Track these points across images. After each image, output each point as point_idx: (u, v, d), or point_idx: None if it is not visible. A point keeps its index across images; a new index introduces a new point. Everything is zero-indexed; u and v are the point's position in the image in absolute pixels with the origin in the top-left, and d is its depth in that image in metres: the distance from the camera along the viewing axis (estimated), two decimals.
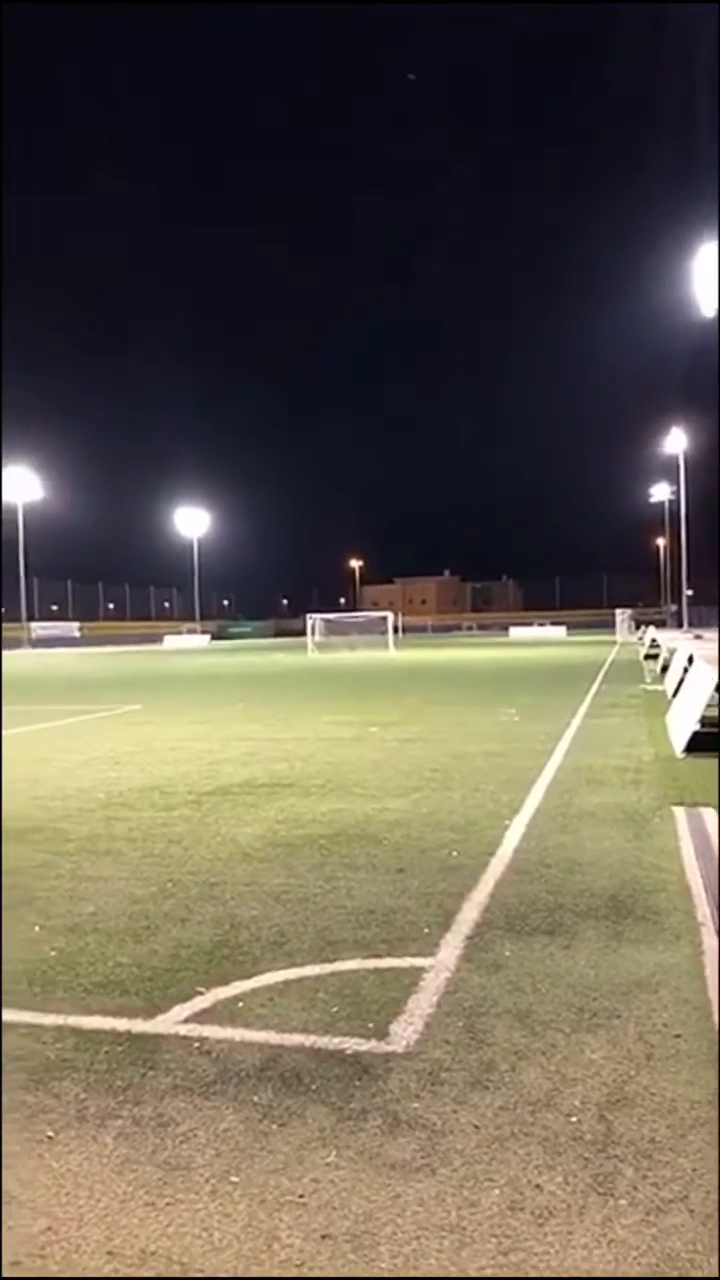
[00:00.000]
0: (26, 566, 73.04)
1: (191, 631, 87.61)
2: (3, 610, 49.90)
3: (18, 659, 51.14)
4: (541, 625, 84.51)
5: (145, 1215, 2.45)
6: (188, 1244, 2.34)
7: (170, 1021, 3.61)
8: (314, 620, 52.84)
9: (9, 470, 71.29)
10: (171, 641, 78.47)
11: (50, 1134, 2.85)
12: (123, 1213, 2.47)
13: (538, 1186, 2.55)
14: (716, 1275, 2.24)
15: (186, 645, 74.24)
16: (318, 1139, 2.79)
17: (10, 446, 74.03)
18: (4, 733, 13.65)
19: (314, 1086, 3.09)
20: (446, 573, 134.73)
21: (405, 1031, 3.47)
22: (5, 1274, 2.21)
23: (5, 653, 60.12)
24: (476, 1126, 2.83)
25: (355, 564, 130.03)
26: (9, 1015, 3.69)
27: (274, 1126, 2.86)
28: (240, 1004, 3.75)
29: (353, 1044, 3.39)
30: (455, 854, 6.02)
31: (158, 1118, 2.92)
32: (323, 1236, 2.36)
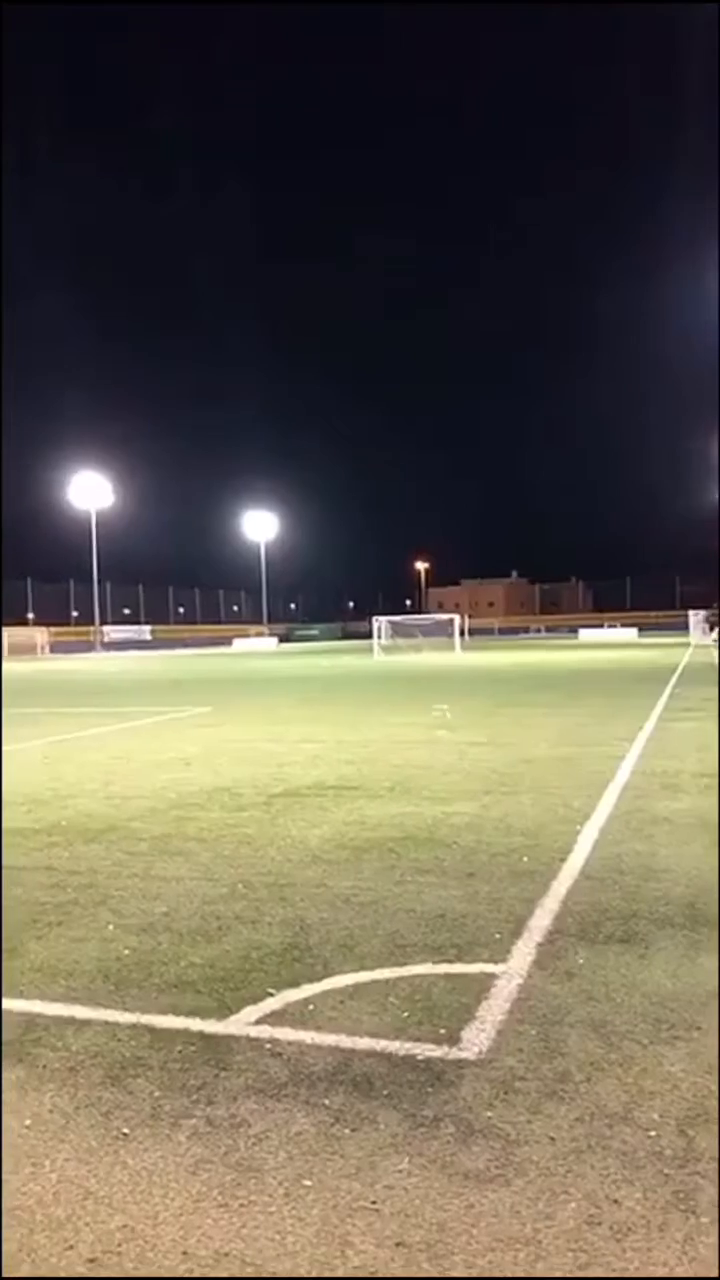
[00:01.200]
0: (99, 571, 74.58)
1: (259, 634, 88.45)
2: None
3: (91, 662, 52.24)
4: (612, 627, 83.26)
5: (219, 1216, 2.46)
6: (261, 1247, 2.34)
7: (242, 1023, 3.63)
8: (380, 623, 52.88)
9: (80, 476, 72.88)
10: (240, 644, 79.32)
11: (125, 1131, 2.89)
12: (197, 1213, 2.48)
13: (616, 1201, 2.49)
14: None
15: (254, 648, 74.96)
16: (390, 1145, 2.77)
17: (81, 453, 75.73)
18: (79, 734, 13.95)
19: (386, 1092, 3.08)
20: (514, 574, 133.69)
21: (477, 1038, 3.43)
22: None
23: (78, 656, 61.40)
24: (552, 1138, 2.78)
25: (421, 566, 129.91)
26: (85, 1012, 3.76)
27: (346, 1131, 2.85)
28: (311, 1007, 3.76)
29: (424, 1049, 3.36)
30: (526, 859, 5.94)
31: (231, 1118, 2.94)
32: (397, 1244, 2.34)
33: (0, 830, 7.08)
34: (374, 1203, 2.51)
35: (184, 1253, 2.32)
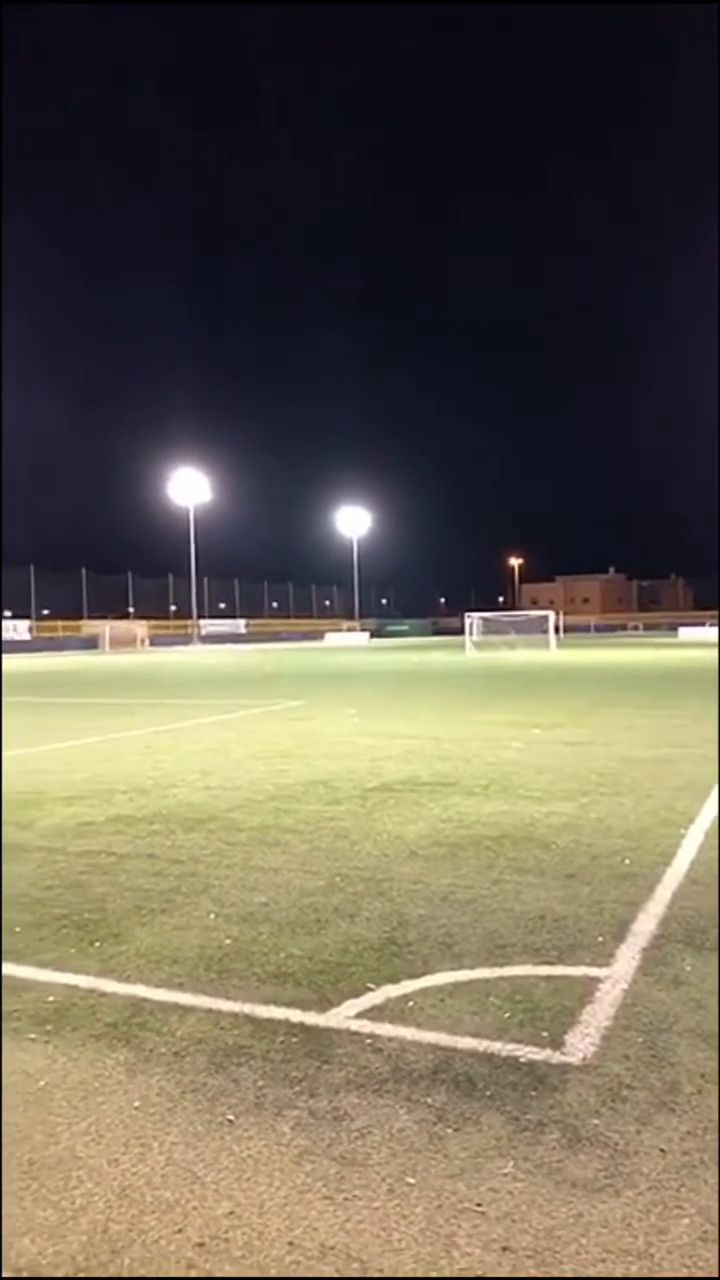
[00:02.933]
0: (197, 566, 76.09)
1: (351, 629, 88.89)
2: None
3: (188, 655, 53.35)
4: (713, 625, 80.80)
5: (324, 1209, 2.47)
6: (366, 1242, 2.34)
7: (342, 1016, 3.64)
8: (472, 619, 52.52)
9: (180, 473, 74.44)
10: (332, 639, 79.86)
11: (231, 1118, 2.92)
12: (301, 1204, 2.49)
13: None
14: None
15: (346, 642, 75.36)
16: (494, 1148, 2.73)
17: (181, 451, 77.33)
18: (177, 725, 14.25)
19: (489, 1093, 3.04)
20: (611, 570, 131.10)
21: (581, 1043, 3.36)
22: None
23: (176, 649, 62.77)
24: (663, 1150, 2.70)
25: (515, 562, 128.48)
26: (189, 999, 3.82)
27: (449, 1130, 2.83)
28: (411, 1003, 3.74)
29: (527, 1052, 3.31)
30: (628, 861, 5.80)
31: (333, 1111, 2.94)
32: (503, 1248, 2.31)
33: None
34: (479, 1205, 2.48)
35: (290, 1243, 2.34)
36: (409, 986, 3.91)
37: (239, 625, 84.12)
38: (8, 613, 66.09)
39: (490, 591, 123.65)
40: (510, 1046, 3.35)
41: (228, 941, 4.49)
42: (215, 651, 57.92)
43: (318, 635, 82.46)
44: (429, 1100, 3.00)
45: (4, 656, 53.94)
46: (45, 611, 70.33)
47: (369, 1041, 3.42)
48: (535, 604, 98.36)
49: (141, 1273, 2.24)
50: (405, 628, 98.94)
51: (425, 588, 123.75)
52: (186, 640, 72.74)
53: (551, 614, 53.28)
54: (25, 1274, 2.24)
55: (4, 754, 11.26)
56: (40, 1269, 2.25)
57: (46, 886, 5.49)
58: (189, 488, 74.94)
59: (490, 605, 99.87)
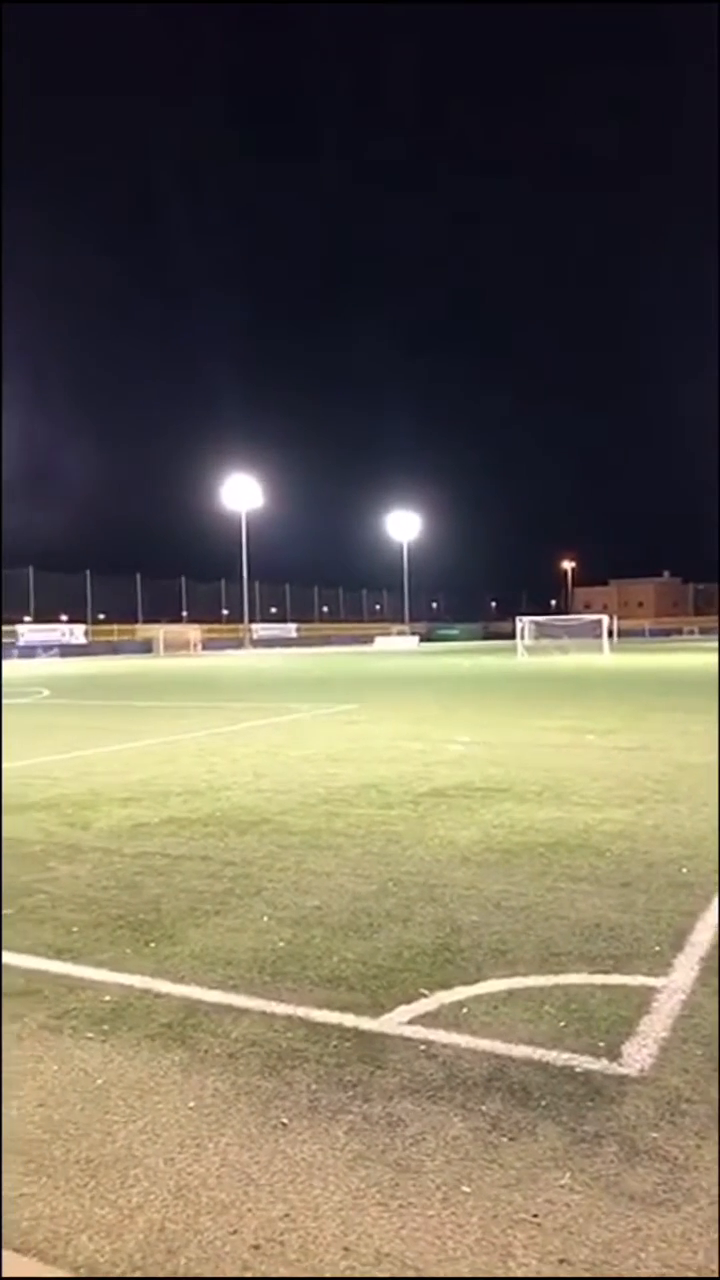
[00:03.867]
0: (249, 571, 76.68)
1: (401, 633, 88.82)
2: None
3: (240, 658, 53.76)
4: None
5: (379, 1215, 2.46)
6: (421, 1250, 2.33)
7: (395, 1022, 3.63)
8: (524, 622, 52.14)
9: (234, 479, 75.10)
10: (381, 642, 79.87)
11: (285, 1120, 2.93)
12: (356, 1209, 2.49)
13: None
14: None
15: (396, 646, 75.32)
16: (550, 1158, 2.70)
17: (234, 456, 78.10)
18: (230, 728, 14.36)
19: (544, 1102, 3.00)
20: (666, 574, 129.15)
21: (639, 1054, 3.31)
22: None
23: (228, 653, 63.31)
24: None
25: (567, 565, 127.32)
26: (243, 1001, 3.84)
27: (504, 1140, 2.80)
28: (464, 1010, 3.72)
29: (582, 1062, 3.27)
30: (685, 870, 5.70)
31: (387, 1117, 2.93)
32: (560, 1260, 2.28)
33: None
34: (535, 1216, 2.45)
35: (345, 1248, 2.33)
36: (462, 993, 3.88)
37: (290, 629, 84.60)
38: (64, 616, 67.24)
39: (542, 595, 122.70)
40: (565, 1056, 3.31)
41: (281, 944, 4.50)
42: (266, 655, 58.27)
43: (367, 639, 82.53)
44: (484, 1108, 2.97)
45: (61, 659, 54.86)
46: (101, 616, 71.45)
47: (423, 1048, 3.40)
48: (588, 608, 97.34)
49: (198, 1272, 2.25)
50: (455, 632, 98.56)
51: (476, 591, 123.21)
52: (238, 644, 73.34)
53: (605, 618, 52.64)
54: (84, 1272, 2.26)
55: (63, 756, 11.46)
56: (98, 1267, 2.27)
57: (103, 887, 5.56)
58: (241, 493, 75.57)
59: (542, 609, 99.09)
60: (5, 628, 61.47)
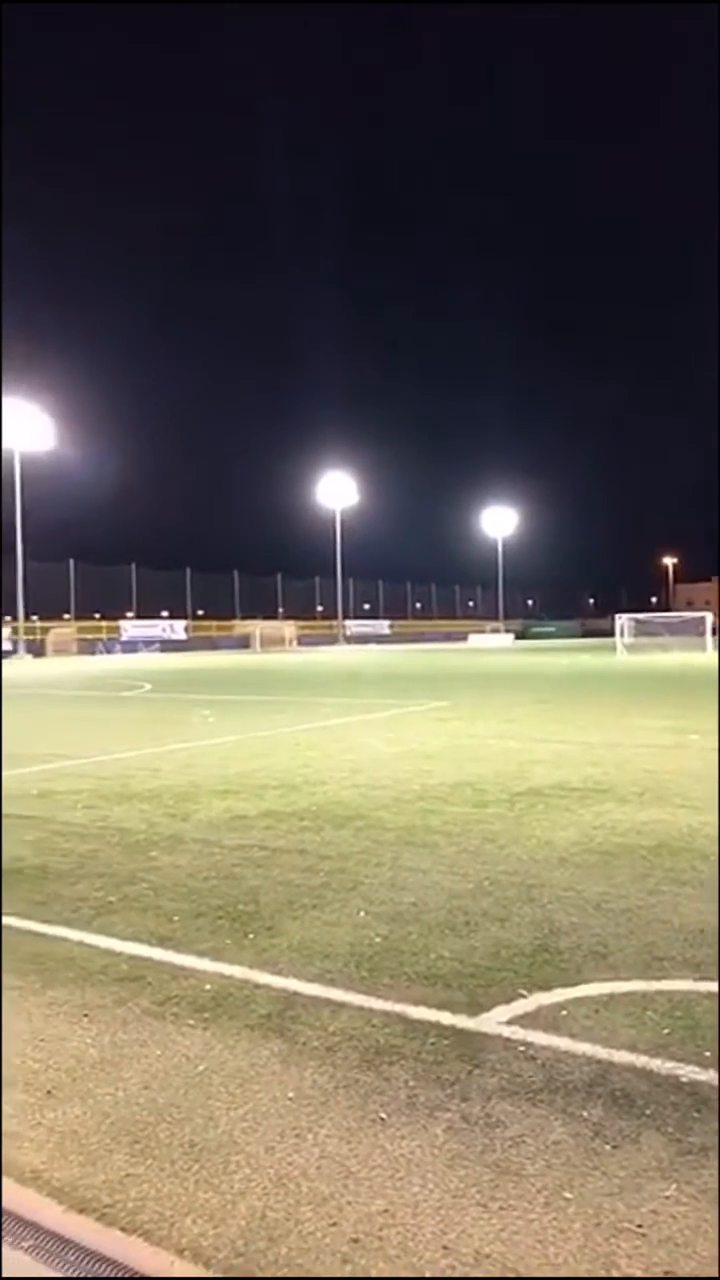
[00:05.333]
0: (343, 567, 77.17)
1: (495, 630, 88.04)
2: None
3: (334, 654, 54.16)
4: None
5: (478, 1215, 2.44)
6: (522, 1253, 2.30)
7: (493, 1021, 3.59)
8: (623, 620, 51.03)
9: (330, 476, 75.65)
10: (475, 640, 79.31)
11: (383, 1116, 2.93)
12: (455, 1208, 2.47)
13: None
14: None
15: (490, 644, 74.68)
16: (655, 1169, 2.63)
17: (329, 454, 78.67)
18: (325, 723, 14.48)
19: (648, 1111, 2.93)
20: None
21: None
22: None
23: (322, 649, 63.87)
24: None
25: (669, 561, 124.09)
26: (340, 995, 3.87)
27: (606, 1147, 2.74)
28: (564, 1012, 3.66)
29: (688, 1071, 3.17)
30: None
31: (486, 1117, 2.91)
32: (666, 1272, 2.22)
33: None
34: (640, 1226, 2.39)
35: (444, 1247, 2.32)
36: (561, 995, 3.82)
37: (383, 626, 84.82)
38: (164, 613, 68.91)
39: (643, 592, 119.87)
40: (670, 1065, 3.22)
41: (377, 940, 4.51)
42: (360, 652, 58.52)
43: (461, 636, 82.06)
44: (585, 1114, 2.92)
45: (162, 654, 56.27)
46: (200, 612, 72.94)
47: (521, 1049, 3.36)
48: (690, 605, 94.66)
49: (299, 1263, 2.27)
50: (552, 629, 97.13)
51: (573, 588, 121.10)
52: (332, 640, 73.89)
53: (709, 615, 51.04)
54: (187, 1255, 2.31)
55: (164, 748, 11.75)
56: (202, 1250, 2.32)
57: (203, 878, 5.68)
58: (336, 490, 76.06)
59: (643, 606, 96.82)
60: (108, 624, 63.31)
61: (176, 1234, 2.38)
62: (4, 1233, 2.39)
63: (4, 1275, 2.25)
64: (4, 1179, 2.64)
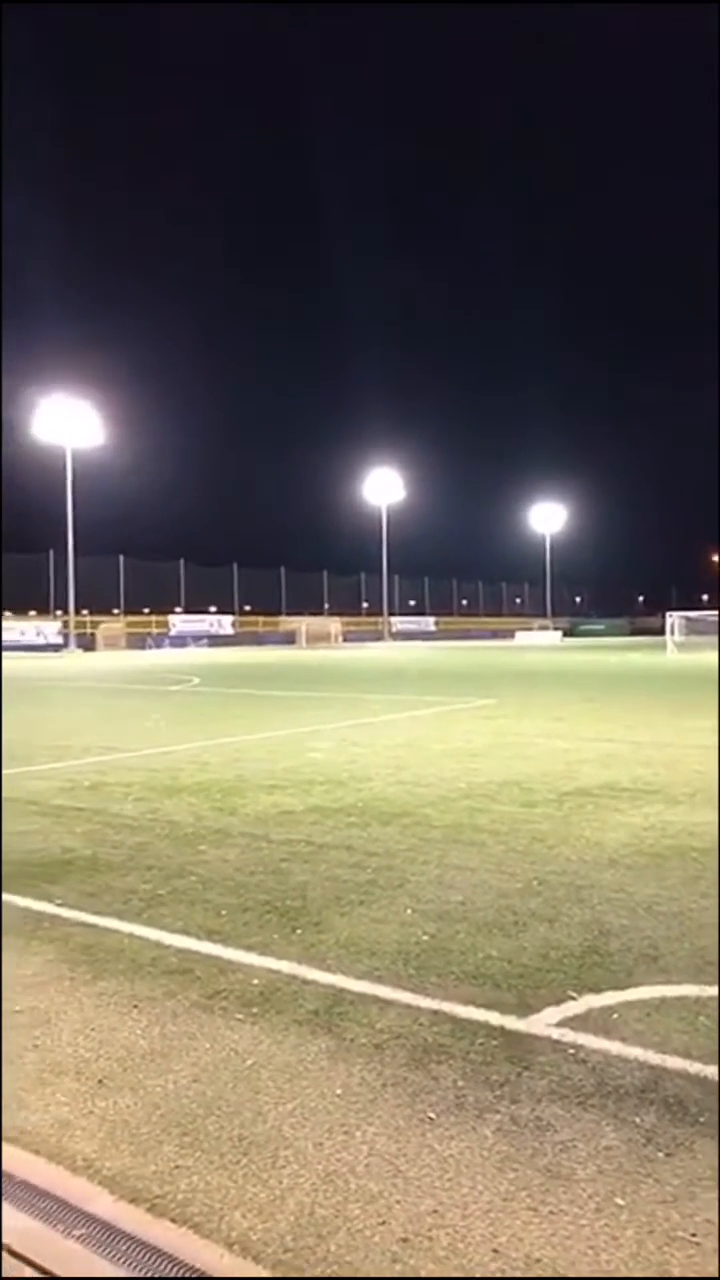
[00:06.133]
0: (389, 564, 77.11)
1: (543, 628, 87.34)
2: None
3: (379, 651, 54.17)
4: None
5: (529, 1219, 2.41)
6: (574, 1259, 2.27)
7: (542, 1023, 3.56)
8: (674, 618, 50.33)
9: (377, 473, 75.60)
10: (522, 637, 78.77)
11: (431, 1115, 2.92)
12: (505, 1211, 2.45)
13: None
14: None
15: (537, 641, 74.12)
16: (709, 1177, 2.58)
17: (377, 450, 78.61)
18: (371, 720, 14.47)
19: (701, 1119, 2.88)
20: None
21: None
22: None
23: (367, 645, 63.91)
24: None
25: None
26: (388, 992, 3.86)
27: (659, 1154, 2.70)
28: (615, 1015, 3.61)
29: None
30: None
31: (536, 1120, 2.88)
32: None
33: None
34: (694, 1235, 2.35)
35: (494, 1250, 2.30)
36: (612, 998, 3.77)
37: (428, 622, 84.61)
38: (212, 608, 69.48)
39: (693, 590, 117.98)
40: None
41: (425, 938, 4.50)
42: (405, 648, 58.44)
43: (508, 634, 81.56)
44: (637, 1120, 2.88)
45: (210, 649, 56.75)
46: (247, 608, 73.42)
47: (571, 1051, 3.32)
48: None
49: (348, 1260, 2.27)
50: (600, 627, 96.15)
51: (622, 586, 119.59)
52: (377, 637, 73.87)
53: None
54: (236, 1248, 2.32)
55: (212, 742, 11.84)
56: (251, 1244, 2.32)
57: (250, 872, 5.70)
58: (383, 486, 75.99)
59: (694, 604, 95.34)
60: (157, 618, 63.98)
61: (226, 1227, 2.39)
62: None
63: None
64: (55, 1167, 2.68)
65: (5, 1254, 2.30)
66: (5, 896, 5.23)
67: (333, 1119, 2.91)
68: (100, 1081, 3.17)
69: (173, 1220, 2.42)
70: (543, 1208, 2.46)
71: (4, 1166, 2.66)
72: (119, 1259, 2.27)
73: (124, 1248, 2.31)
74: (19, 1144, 2.80)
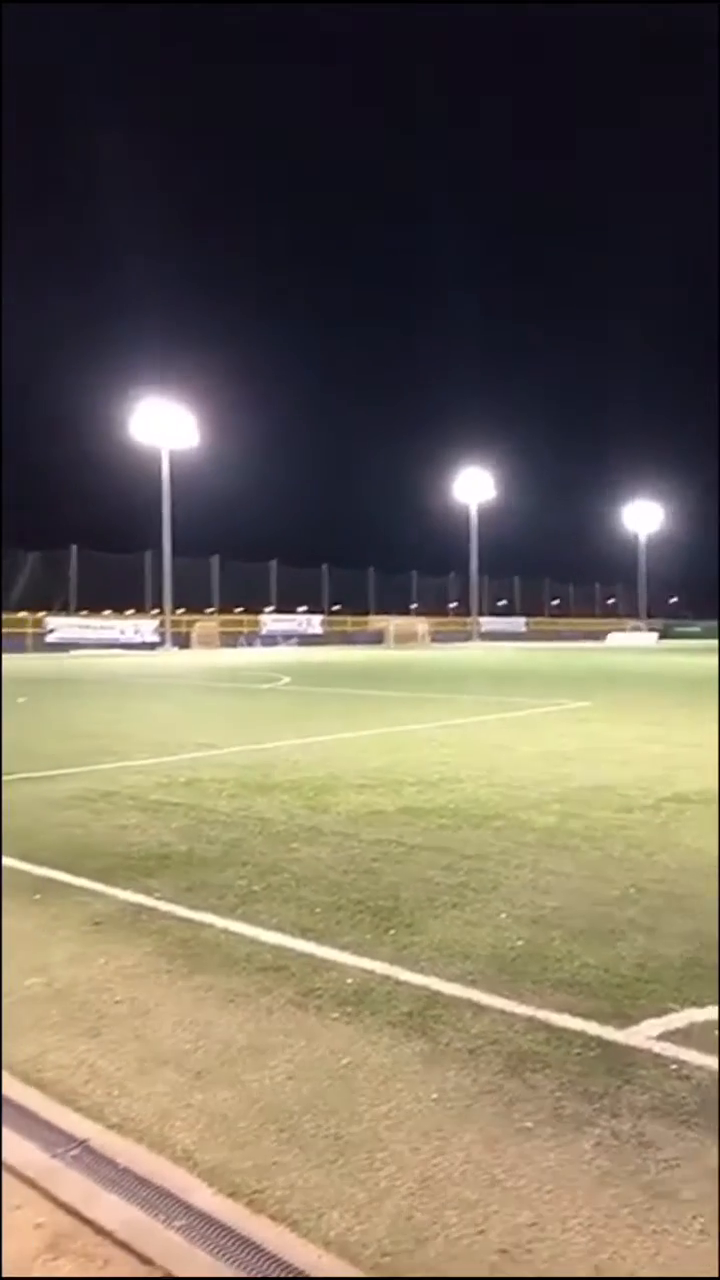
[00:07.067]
0: (480, 563, 76.58)
1: (636, 629, 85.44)
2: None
3: (470, 651, 53.84)
4: None
5: (630, 1237, 2.35)
6: None
7: (642, 1036, 3.47)
8: None
9: (467, 472, 75.18)
10: (615, 638, 77.22)
11: (528, 1125, 2.87)
12: (607, 1227, 2.39)
13: None
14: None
15: (631, 643, 72.56)
16: None
17: (467, 449, 78.21)
18: (462, 720, 14.39)
19: None
20: None
21: None
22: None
23: (455, 646, 63.64)
24: None
25: None
26: (482, 997, 3.82)
27: None
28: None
29: None
30: None
31: (637, 1136, 2.81)
32: None
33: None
34: None
35: (595, 1267, 2.25)
36: (715, 1013, 3.66)
37: (518, 623, 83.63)
38: (302, 607, 70.16)
39: None
40: None
41: (519, 943, 4.44)
42: (495, 649, 57.93)
43: (600, 635, 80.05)
44: None
45: (300, 649, 57.34)
46: (336, 607, 73.88)
47: (674, 1067, 3.23)
48: None
49: (446, 1268, 2.25)
50: (697, 629, 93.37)
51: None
52: (466, 637, 73.42)
53: None
54: (334, 1249, 2.32)
55: (303, 740, 11.94)
56: (349, 1245, 2.33)
57: (343, 870, 5.72)
58: (472, 485, 75.48)
59: None
60: (249, 618, 64.92)
61: (324, 1226, 2.40)
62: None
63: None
64: (157, 1156, 2.73)
65: (110, 1243, 2.35)
66: (106, 889, 5.37)
67: (428, 1124, 2.89)
68: (198, 1074, 3.22)
69: (271, 1217, 2.44)
70: (646, 1226, 2.40)
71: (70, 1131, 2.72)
72: (219, 1253, 2.30)
73: (223, 1241, 2.34)
74: (121, 1131, 2.87)
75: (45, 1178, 2.62)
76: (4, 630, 47.55)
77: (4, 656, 35.69)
